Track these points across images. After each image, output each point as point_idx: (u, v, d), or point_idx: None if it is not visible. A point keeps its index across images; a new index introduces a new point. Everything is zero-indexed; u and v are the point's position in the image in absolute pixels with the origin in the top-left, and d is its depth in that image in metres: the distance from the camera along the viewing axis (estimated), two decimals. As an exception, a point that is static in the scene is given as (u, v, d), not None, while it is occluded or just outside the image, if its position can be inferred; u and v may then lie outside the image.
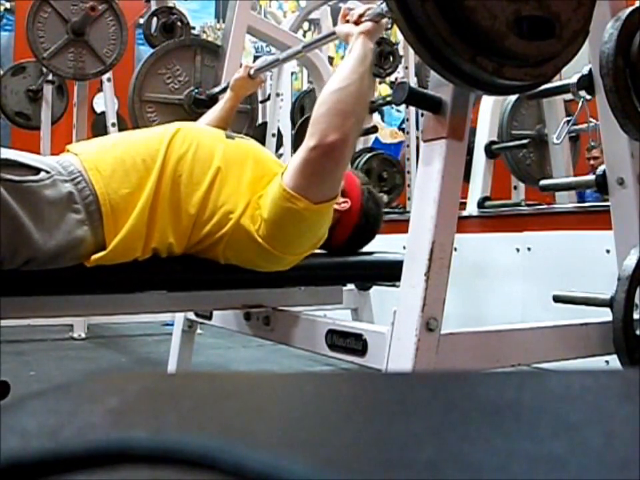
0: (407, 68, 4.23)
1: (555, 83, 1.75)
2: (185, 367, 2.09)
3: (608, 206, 1.50)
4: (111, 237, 1.28)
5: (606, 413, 0.26)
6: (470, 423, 0.25)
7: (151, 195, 1.31)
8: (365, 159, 4.07)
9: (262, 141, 3.64)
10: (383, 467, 0.20)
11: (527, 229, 2.89)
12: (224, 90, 2.28)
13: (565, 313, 1.56)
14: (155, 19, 3.82)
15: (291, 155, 2.77)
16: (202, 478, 0.18)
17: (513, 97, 3.31)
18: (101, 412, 0.26)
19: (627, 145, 1.40)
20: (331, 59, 5.97)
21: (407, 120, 4.30)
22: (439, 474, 0.20)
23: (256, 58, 6.64)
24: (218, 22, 7.41)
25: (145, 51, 3.99)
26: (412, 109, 4.04)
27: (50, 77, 4.36)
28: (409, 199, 3.99)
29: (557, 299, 1.56)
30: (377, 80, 4.90)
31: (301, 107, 4.67)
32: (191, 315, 2.04)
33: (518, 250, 2.83)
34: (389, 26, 1.44)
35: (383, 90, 6.19)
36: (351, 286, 2.41)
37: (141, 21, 4.22)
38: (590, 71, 1.48)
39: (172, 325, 2.27)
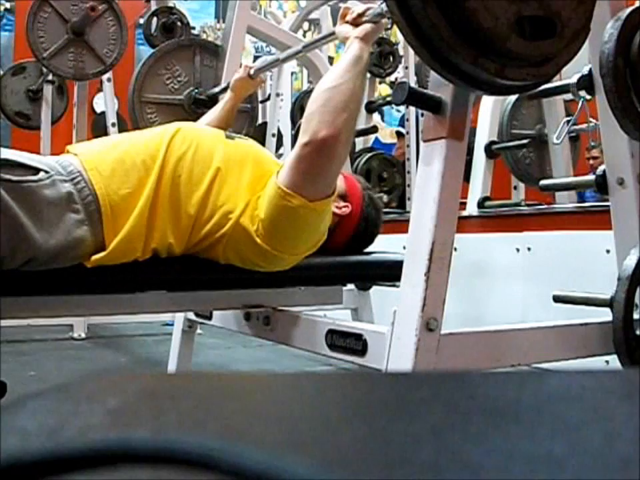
0: (407, 68, 4.22)
1: (555, 83, 1.75)
2: (185, 367, 2.09)
3: (608, 206, 1.50)
4: (110, 237, 1.28)
5: (606, 413, 0.26)
6: (470, 422, 0.25)
7: (151, 195, 1.31)
8: (364, 158, 4.07)
9: (262, 141, 3.64)
10: (383, 466, 0.20)
11: (527, 229, 2.89)
12: (224, 90, 2.28)
13: (565, 312, 1.56)
14: (155, 18, 3.82)
15: (291, 155, 2.76)
16: (202, 478, 0.18)
17: (513, 97, 3.30)
18: (101, 412, 0.26)
19: (627, 145, 1.40)
20: (330, 59, 5.97)
21: (407, 120, 4.29)
22: (439, 474, 0.20)
23: (256, 58, 6.65)
24: (218, 22, 7.41)
25: (145, 51, 3.99)
26: (412, 108, 4.03)
27: (50, 77, 4.36)
28: (408, 199, 3.99)
29: (556, 299, 1.56)
30: (377, 80, 4.90)
31: (301, 107, 4.67)
32: (191, 315, 2.04)
33: (518, 250, 2.82)
34: (389, 26, 1.44)
35: (383, 90, 6.19)
36: (350, 286, 2.41)
37: (141, 21, 4.22)
38: (590, 70, 1.48)
39: (172, 325, 2.27)
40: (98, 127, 4.46)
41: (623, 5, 1.40)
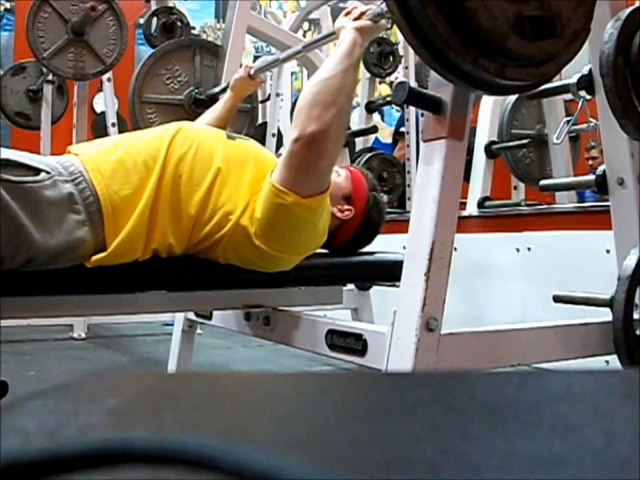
0: (407, 68, 4.22)
1: (555, 83, 1.75)
2: (185, 367, 2.09)
3: (608, 206, 1.50)
4: (111, 238, 1.28)
5: (606, 413, 0.26)
6: (470, 422, 0.25)
7: (152, 196, 1.31)
8: (364, 158, 4.07)
9: (262, 141, 3.63)
10: (383, 466, 0.20)
11: (527, 229, 2.89)
12: (224, 90, 2.28)
13: (565, 312, 1.56)
14: (155, 18, 3.82)
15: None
16: (202, 478, 0.18)
17: (513, 97, 3.30)
18: (101, 412, 0.26)
19: (627, 144, 1.40)
20: (330, 59, 5.95)
21: (407, 120, 4.29)
22: (439, 474, 0.20)
23: (256, 58, 6.64)
24: (218, 22, 7.40)
25: (145, 51, 3.99)
26: (412, 108, 4.03)
27: (50, 77, 4.36)
28: (408, 198, 3.99)
29: (556, 299, 1.56)
30: (377, 80, 4.90)
31: (301, 107, 4.67)
32: (191, 315, 2.04)
33: (518, 250, 2.82)
34: (389, 26, 1.44)
35: (383, 90, 6.19)
36: (351, 286, 2.41)
37: (141, 20, 4.22)
38: (590, 70, 1.48)
39: (172, 325, 2.27)
40: (98, 127, 4.46)
41: (623, 4, 1.40)
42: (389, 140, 6.35)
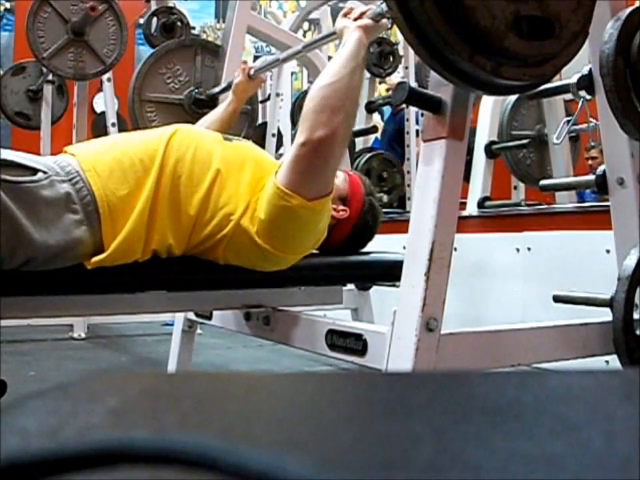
0: (407, 68, 4.22)
1: (555, 83, 1.75)
2: (185, 367, 2.09)
3: (608, 206, 1.50)
4: (109, 238, 1.28)
5: (606, 413, 0.26)
6: (470, 422, 0.25)
7: (150, 197, 1.31)
8: (364, 158, 4.07)
9: (262, 141, 3.64)
10: (383, 467, 0.20)
11: (527, 229, 2.89)
12: (224, 90, 2.28)
13: (565, 312, 1.56)
14: (155, 18, 3.82)
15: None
16: (202, 478, 0.18)
17: (513, 97, 3.30)
18: (101, 412, 0.26)
19: (627, 144, 1.40)
20: (330, 59, 5.97)
21: (407, 120, 4.29)
22: (439, 474, 0.20)
23: (256, 58, 6.64)
24: (218, 22, 7.41)
25: (145, 51, 3.99)
26: (412, 108, 4.03)
27: (50, 77, 4.36)
28: (408, 198, 3.99)
29: (556, 299, 1.56)
30: (377, 80, 4.90)
31: (301, 107, 4.66)
32: (191, 315, 2.04)
33: (518, 250, 2.82)
34: (389, 26, 1.44)
35: (383, 90, 6.19)
36: (351, 286, 2.41)
37: (141, 21, 4.22)
38: (590, 70, 1.48)
39: (172, 325, 2.27)
40: (98, 127, 4.46)
41: (623, 4, 1.40)
42: (389, 140, 6.33)
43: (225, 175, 1.38)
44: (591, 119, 1.62)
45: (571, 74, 1.55)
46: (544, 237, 2.78)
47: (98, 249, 1.28)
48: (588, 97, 1.53)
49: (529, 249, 2.79)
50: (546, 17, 1.05)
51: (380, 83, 5.18)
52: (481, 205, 3.30)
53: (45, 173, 1.24)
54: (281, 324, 1.58)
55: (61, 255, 1.24)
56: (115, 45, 3.56)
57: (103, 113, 4.20)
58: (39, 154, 1.41)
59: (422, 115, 1.35)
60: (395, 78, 4.73)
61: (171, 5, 3.95)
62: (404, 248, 1.20)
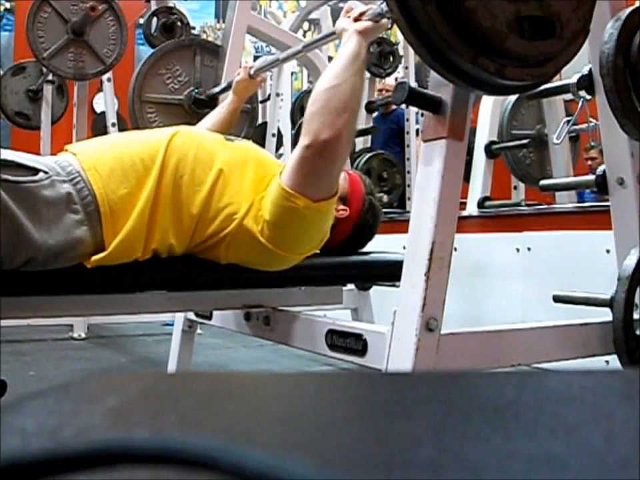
0: (407, 68, 4.23)
1: (555, 82, 1.75)
2: (185, 367, 2.09)
3: (608, 206, 1.50)
4: (109, 238, 1.28)
5: (606, 413, 0.26)
6: (470, 422, 0.25)
7: (151, 196, 1.31)
8: (364, 158, 4.07)
9: (262, 141, 3.64)
10: (383, 466, 0.20)
11: (526, 229, 2.89)
12: (224, 90, 2.28)
13: (565, 312, 1.56)
14: (155, 18, 3.82)
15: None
16: (202, 478, 0.18)
17: (513, 97, 3.30)
18: (101, 412, 0.26)
19: (627, 144, 1.40)
20: (330, 59, 5.96)
21: (407, 120, 4.29)
22: (439, 474, 0.20)
23: (256, 58, 6.64)
24: (218, 22, 7.41)
25: (145, 51, 3.99)
26: (412, 108, 4.03)
27: (50, 77, 4.36)
28: (408, 198, 3.99)
29: (556, 299, 1.56)
30: (377, 80, 4.90)
31: (301, 107, 4.66)
32: (191, 315, 2.04)
33: (518, 250, 2.82)
34: (390, 26, 1.44)
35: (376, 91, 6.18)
36: (351, 286, 2.41)
37: (141, 20, 4.22)
38: (590, 70, 1.48)
39: (172, 325, 2.27)
40: (98, 127, 4.46)
41: (623, 4, 1.40)
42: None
43: (227, 174, 1.38)
44: (591, 119, 1.63)
45: (570, 74, 1.55)
46: (544, 237, 2.78)
47: (99, 249, 1.28)
48: (588, 97, 1.53)
49: (528, 249, 2.79)
50: (547, 17, 1.05)
51: (380, 82, 5.18)
52: (480, 204, 3.30)
53: (45, 173, 1.24)
54: (281, 324, 1.58)
55: (62, 255, 1.24)
56: (115, 44, 3.56)
57: (103, 113, 4.20)
58: (39, 154, 1.41)
59: (422, 114, 1.35)
60: (388, 80, 4.76)
61: (170, 4, 3.95)
62: (404, 248, 1.20)
